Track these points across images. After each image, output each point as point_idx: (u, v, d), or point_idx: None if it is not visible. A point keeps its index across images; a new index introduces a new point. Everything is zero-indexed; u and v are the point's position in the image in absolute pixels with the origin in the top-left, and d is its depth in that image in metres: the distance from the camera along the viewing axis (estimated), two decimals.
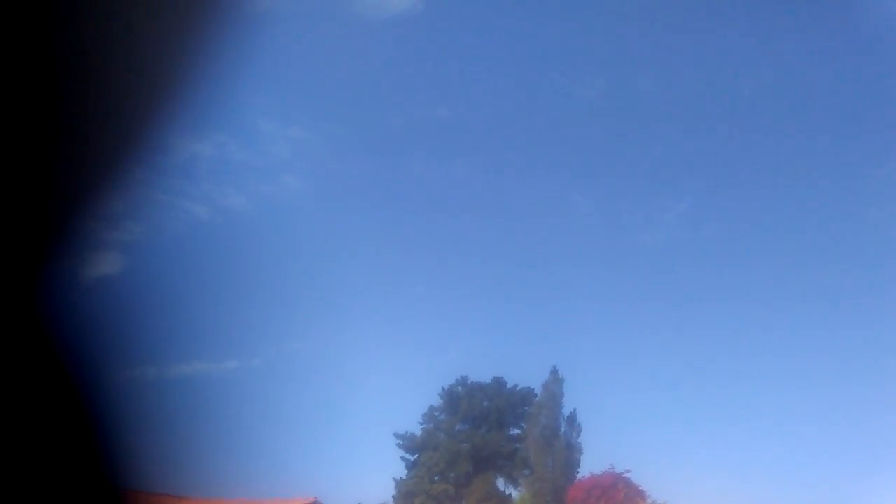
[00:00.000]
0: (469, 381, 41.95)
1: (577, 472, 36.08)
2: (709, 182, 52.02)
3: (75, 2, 0.49)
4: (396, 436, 41.24)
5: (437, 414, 41.82)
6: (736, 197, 50.93)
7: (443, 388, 41.97)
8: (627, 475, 31.93)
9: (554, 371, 38.18)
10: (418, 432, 41.44)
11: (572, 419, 37.39)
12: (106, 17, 0.51)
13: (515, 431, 41.22)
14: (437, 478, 39.36)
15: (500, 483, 39.91)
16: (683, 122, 51.40)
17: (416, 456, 40.73)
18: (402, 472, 40.53)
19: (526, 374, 44.02)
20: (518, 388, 41.63)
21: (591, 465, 35.86)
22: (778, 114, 49.69)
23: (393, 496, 39.80)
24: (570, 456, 36.72)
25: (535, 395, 39.58)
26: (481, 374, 42.18)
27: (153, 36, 0.59)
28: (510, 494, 39.34)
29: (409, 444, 41.10)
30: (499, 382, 41.84)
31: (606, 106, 49.92)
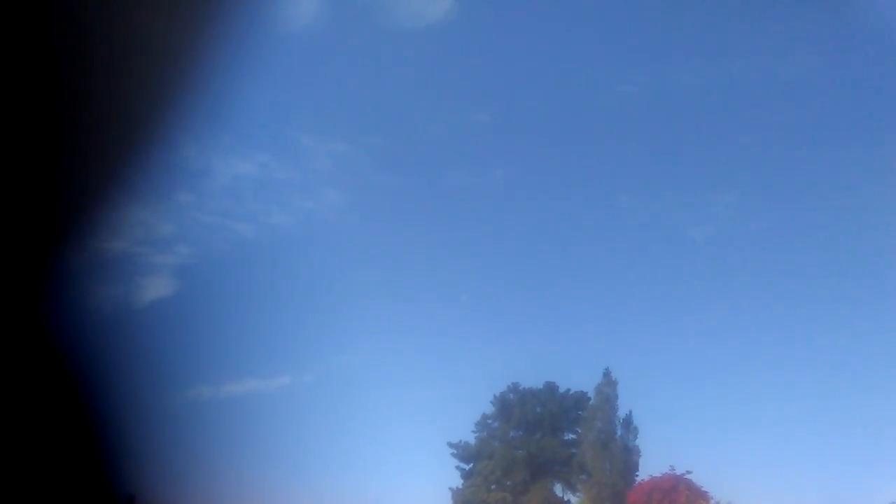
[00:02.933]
0: (520, 388, 41.66)
1: (636, 475, 35.48)
2: (756, 173, 50.84)
3: (110, 34, 0.49)
4: (450, 445, 41.21)
5: (490, 422, 41.65)
6: (785, 185, 49.67)
7: (494, 396, 41.83)
8: (688, 476, 31.30)
9: (607, 373, 37.68)
10: (472, 441, 41.33)
11: (628, 421, 36.80)
12: (149, 42, 0.51)
13: (570, 436, 40.76)
14: (493, 486, 39.14)
15: (558, 489, 39.51)
16: (725, 114, 50.39)
17: (471, 465, 40.58)
18: (457, 482, 40.47)
19: (578, 378, 43.50)
20: (571, 392, 41.19)
21: (650, 467, 35.21)
22: (820, 102, 48.29)
23: None
24: (627, 459, 36.11)
25: (589, 399, 39.09)
26: (532, 379, 41.92)
27: (193, 63, 0.60)
28: (568, 500, 38.91)
29: (463, 453, 40.99)
30: (550, 387, 41.45)
31: (647, 102, 49.28)
